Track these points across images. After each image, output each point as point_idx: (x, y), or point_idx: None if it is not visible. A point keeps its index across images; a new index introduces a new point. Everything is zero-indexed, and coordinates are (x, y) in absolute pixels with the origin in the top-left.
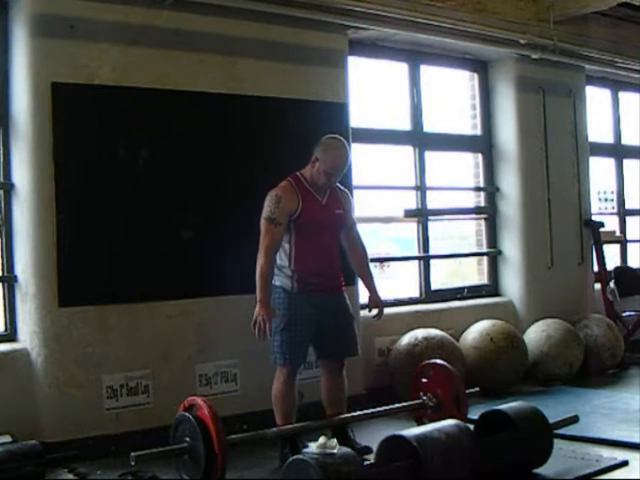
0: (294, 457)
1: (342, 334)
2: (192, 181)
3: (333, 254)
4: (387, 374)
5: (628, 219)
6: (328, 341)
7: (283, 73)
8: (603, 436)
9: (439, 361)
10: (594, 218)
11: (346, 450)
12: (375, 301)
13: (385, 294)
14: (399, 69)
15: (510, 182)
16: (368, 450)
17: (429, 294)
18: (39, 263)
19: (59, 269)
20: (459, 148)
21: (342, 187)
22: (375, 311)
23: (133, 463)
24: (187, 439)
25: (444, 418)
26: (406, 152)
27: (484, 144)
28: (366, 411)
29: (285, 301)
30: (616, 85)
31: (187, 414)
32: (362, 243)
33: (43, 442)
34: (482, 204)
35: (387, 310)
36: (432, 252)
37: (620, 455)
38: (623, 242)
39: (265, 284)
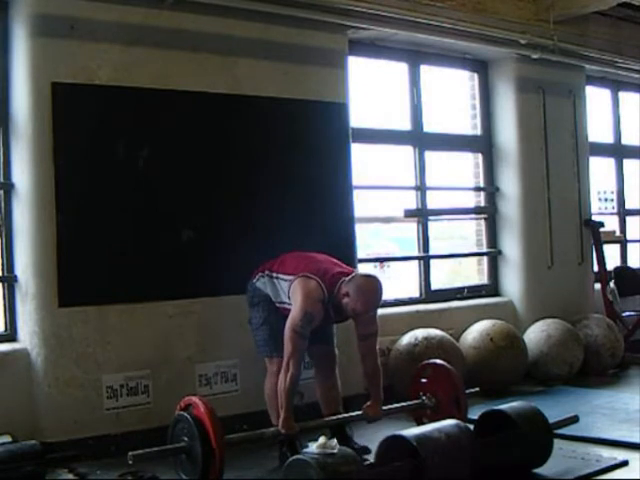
0: (294, 457)
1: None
2: (192, 181)
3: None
4: (387, 374)
5: (628, 219)
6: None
7: (283, 73)
8: (603, 436)
9: (439, 361)
10: (594, 218)
11: (346, 450)
12: (374, 411)
13: (385, 294)
14: (399, 69)
15: (510, 182)
16: (367, 450)
17: (429, 294)
18: (39, 263)
19: (59, 269)
20: (459, 148)
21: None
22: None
23: (131, 462)
24: (184, 438)
25: (444, 418)
26: (406, 152)
27: (484, 144)
28: None
29: (266, 299)
30: (616, 85)
31: (184, 413)
32: (376, 356)
33: (43, 442)
34: (482, 204)
35: (387, 310)
36: (432, 252)
37: (620, 455)
38: (623, 242)
39: (291, 399)
